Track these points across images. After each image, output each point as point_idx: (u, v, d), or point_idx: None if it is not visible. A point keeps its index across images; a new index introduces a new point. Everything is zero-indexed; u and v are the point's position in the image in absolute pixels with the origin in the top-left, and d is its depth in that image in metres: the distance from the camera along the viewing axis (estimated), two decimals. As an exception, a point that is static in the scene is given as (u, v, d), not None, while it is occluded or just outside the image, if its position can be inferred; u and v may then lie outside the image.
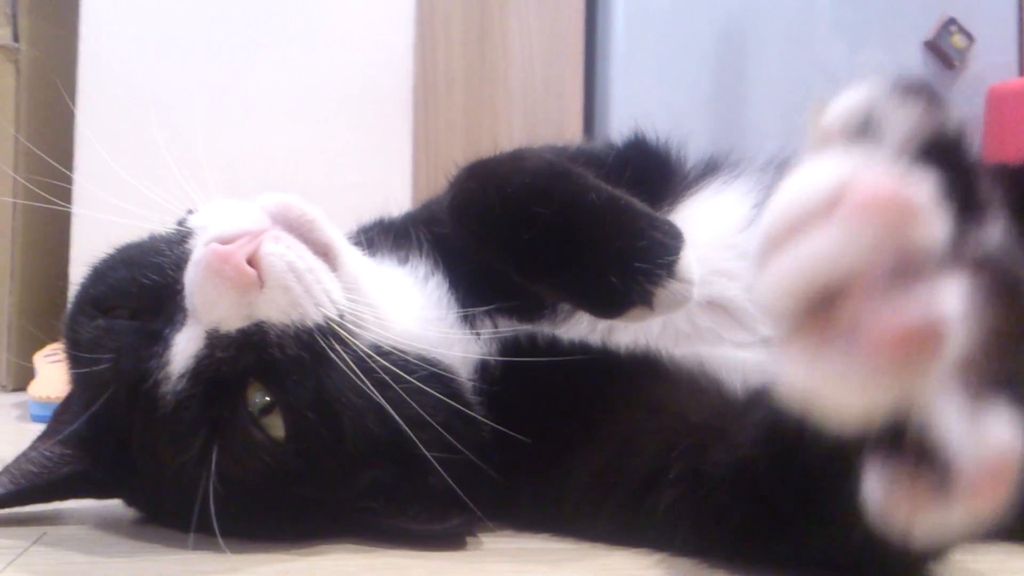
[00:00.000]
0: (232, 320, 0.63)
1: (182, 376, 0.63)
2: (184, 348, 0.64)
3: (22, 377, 1.87)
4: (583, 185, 0.66)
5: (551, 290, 0.69)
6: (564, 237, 0.65)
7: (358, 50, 2.15)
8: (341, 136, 2.11)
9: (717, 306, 0.75)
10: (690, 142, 0.85)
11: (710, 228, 0.77)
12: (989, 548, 0.69)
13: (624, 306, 0.63)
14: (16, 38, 2.05)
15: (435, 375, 0.70)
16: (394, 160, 2.12)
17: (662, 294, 0.62)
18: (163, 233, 0.72)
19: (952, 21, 2.29)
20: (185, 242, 0.68)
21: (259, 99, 2.09)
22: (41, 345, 1.59)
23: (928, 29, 2.29)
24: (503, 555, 0.67)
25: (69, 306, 0.73)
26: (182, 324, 0.64)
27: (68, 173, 1.68)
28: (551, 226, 0.65)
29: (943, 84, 2.30)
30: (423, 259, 0.80)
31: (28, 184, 1.59)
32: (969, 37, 2.30)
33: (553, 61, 2.24)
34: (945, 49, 2.29)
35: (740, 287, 0.75)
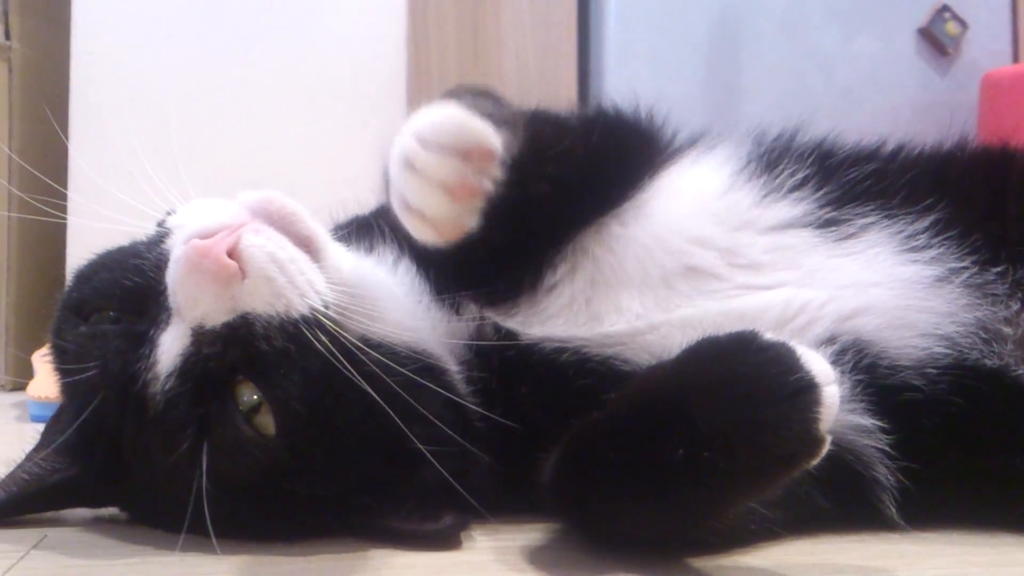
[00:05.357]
0: (216, 314, 0.62)
1: (170, 375, 0.63)
2: (170, 347, 0.63)
3: (21, 377, 1.87)
4: None
5: None
6: None
7: (351, 43, 2.14)
8: (334, 131, 2.10)
9: (694, 271, 0.74)
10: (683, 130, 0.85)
11: (687, 198, 0.77)
12: (987, 541, 0.70)
13: None
14: (8, 36, 2.05)
15: (427, 366, 0.70)
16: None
17: None
18: (144, 237, 0.72)
19: (945, 8, 2.28)
20: (164, 242, 0.68)
21: (251, 95, 2.08)
22: (39, 345, 1.59)
23: (921, 16, 2.28)
24: (505, 553, 0.67)
25: (55, 314, 0.72)
26: (167, 323, 0.64)
27: (62, 171, 1.68)
28: None
29: (937, 71, 2.30)
30: (387, 246, 0.80)
31: (22, 182, 1.58)
32: (963, 24, 2.29)
33: (547, 52, 2.23)
34: (939, 36, 2.28)
35: (716, 253, 0.74)
